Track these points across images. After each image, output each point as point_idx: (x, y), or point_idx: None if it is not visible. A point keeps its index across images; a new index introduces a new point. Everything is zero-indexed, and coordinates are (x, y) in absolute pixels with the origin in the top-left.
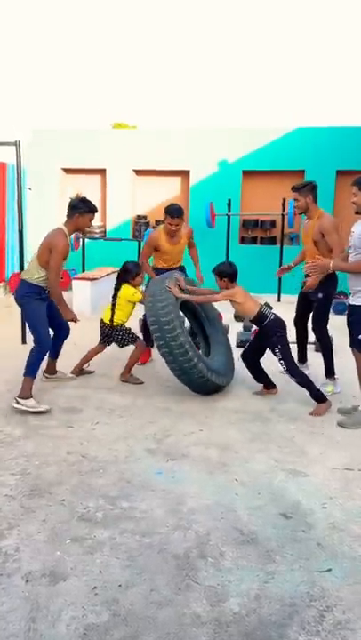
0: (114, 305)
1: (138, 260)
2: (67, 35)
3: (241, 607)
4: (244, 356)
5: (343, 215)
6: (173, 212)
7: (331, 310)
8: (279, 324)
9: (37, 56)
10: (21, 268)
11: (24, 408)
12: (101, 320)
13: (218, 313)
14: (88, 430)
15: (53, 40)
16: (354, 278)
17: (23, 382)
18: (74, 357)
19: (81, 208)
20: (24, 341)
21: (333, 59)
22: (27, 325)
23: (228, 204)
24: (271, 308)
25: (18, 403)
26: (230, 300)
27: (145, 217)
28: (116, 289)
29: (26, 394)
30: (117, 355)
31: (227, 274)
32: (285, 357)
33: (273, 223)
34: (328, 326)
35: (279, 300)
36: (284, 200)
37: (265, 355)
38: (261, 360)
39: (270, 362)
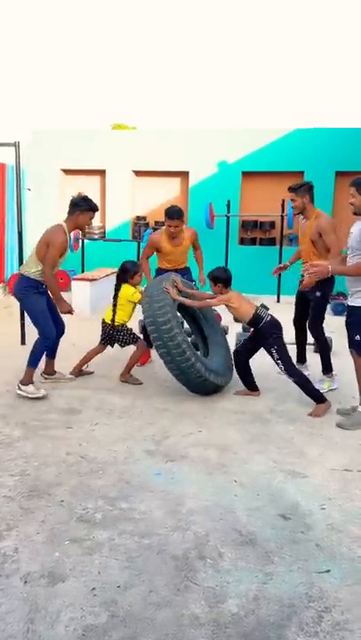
0: (115, 305)
1: (138, 260)
2: (66, 36)
3: (239, 608)
4: (236, 353)
5: (342, 216)
6: (172, 213)
7: (330, 311)
8: (275, 325)
9: (37, 57)
10: None
11: (24, 394)
12: (103, 320)
13: (217, 314)
14: (87, 431)
15: (53, 41)
16: (352, 280)
17: (25, 371)
18: (73, 358)
19: (82, 206)
20: (23, 342)
21: (333, 60)
22: (27, 322)
23: (228, 205)
24: (268, 309)
25: (19, 389)
26: (226, 305)
27: (144, 218)
28: (117, 289)
29: (27, 381)
30: (117, 355)
31: (221, 279)
32: (282, 358)
33: (272, 224)
34: (329, 327)
35: (278, 301)
36: (283, 201)
37: (264, 357)
38: (261, 362)
39: (270, 365)
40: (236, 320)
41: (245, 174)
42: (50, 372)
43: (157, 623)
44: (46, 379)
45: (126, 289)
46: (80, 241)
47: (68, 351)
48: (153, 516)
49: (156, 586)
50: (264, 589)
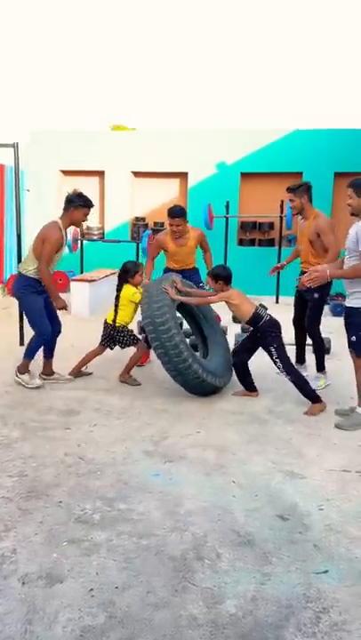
0: (117, 306)
1: (137, 261)
2: (66, 36)
3: (237, 609)
4: (234, 353)
5: (341, 217)
6: (173, 212)
7: (330, 312)
8: (274, 325)
9: (36, 58)
10: None
11: (19, 381)
12: (105, 321)
13: (216, 314)
14: (86, 432)
15: (52, 42)
16: (349, 281)
17: (22, 361)
18: (71, 359)
19: (76, 202)
20: (22, 343)
21: (333, 61)
22: (26, 323)
23: (227, 206)
24: (266, 309)
25: (17, 376)
26: (226, 302)
27: (143, 219)
28: (118, 289)
29: (22, 370)
30: (116, 357)
31: (222, 276)
32: (281, 357)
33: (271, 225)
34: (328, 328)
35: (277, 302)
36: (282, 202)
37: (263, 358)
38: (260, 363)
39: (268, 366)
40: (235, 320)
41: (244, 175)
42: (48, 372)
43: (155, 624)
44: (45, 379)
45: (128, 289)
46: (79, 242)
47: (67, 352)
48: (151, 517)
49: (153, 587)
50: (262, 590)
